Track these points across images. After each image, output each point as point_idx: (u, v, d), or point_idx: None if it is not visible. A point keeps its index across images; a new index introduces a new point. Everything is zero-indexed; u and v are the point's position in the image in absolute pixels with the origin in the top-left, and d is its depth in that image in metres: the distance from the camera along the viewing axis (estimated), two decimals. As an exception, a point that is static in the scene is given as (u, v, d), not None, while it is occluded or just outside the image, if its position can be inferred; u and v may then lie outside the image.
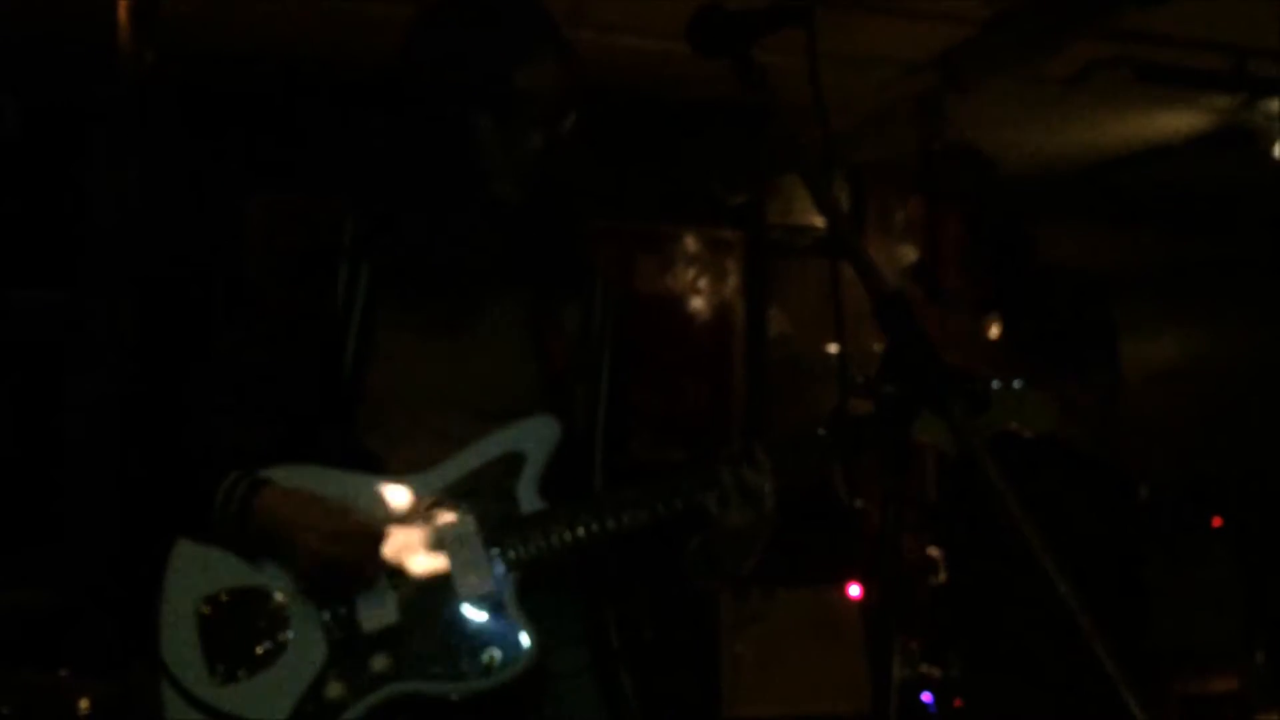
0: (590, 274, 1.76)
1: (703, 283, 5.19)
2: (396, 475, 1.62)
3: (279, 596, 1.59)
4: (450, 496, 1.61)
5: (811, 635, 3.89)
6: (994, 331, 2.65)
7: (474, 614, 1.58)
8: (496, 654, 1.56)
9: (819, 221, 5.33)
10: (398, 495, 1.61)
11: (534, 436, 1.64)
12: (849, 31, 3.97)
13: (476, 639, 1.57)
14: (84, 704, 2.82)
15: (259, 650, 1.57)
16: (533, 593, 1.60)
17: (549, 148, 1.63)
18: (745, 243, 5.23)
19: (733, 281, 5.23)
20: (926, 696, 3.92)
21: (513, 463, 1.62)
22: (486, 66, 1.61)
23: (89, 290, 4.12)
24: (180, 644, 1.58)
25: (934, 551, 2.98)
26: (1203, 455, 5.30)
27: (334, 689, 1.55)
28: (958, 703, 3.90)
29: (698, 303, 5.18)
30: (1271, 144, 4.77)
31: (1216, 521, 4.97)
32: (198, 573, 1.61)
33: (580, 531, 1.59)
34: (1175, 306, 5.71)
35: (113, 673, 3.11)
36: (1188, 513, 4.82)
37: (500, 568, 1.59)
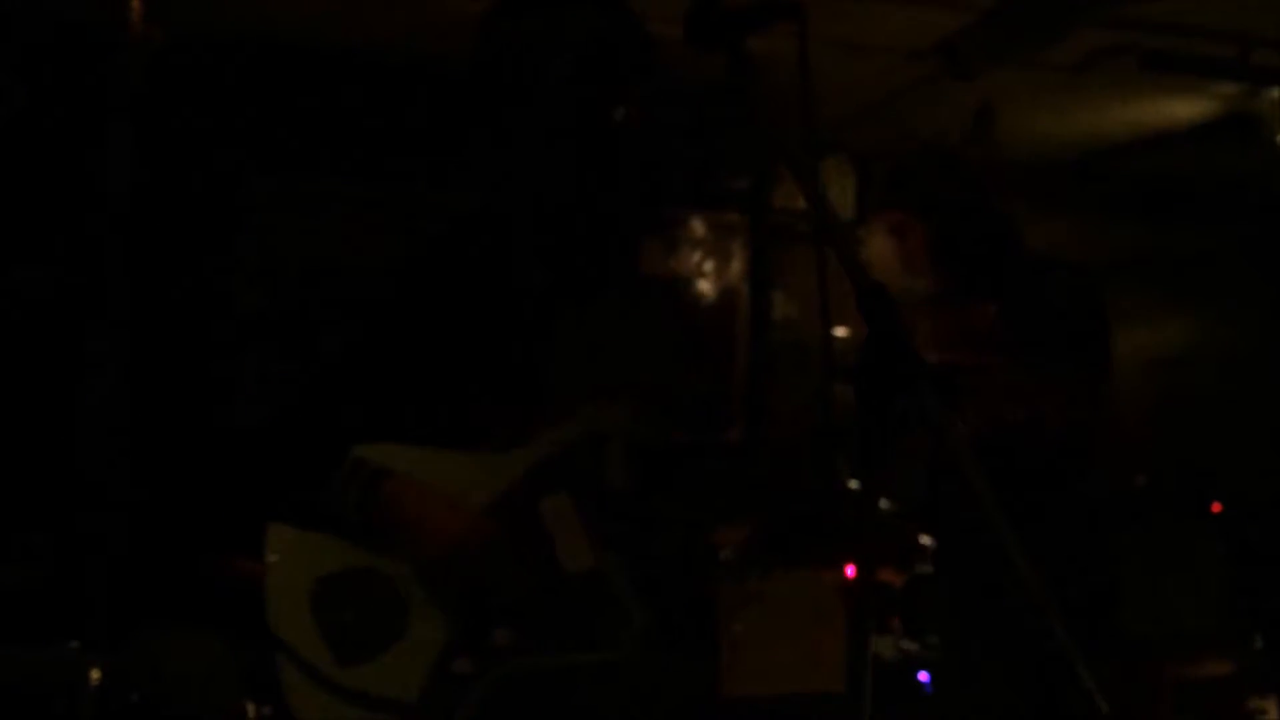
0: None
1: (708, 266, 5.22)
2: (490, 453, 1.66)
3: (396, 576, 1.62)
4: (544, 473, 1.66)
5: (807, 616, 3.94)
6: (985, 320, 2.67)
7: (582, 589, 1.63)
8: (608, 627, 1.62)
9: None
10: (490, 471, 1.66)
11: (615, 419, 1.69)
12: (851, 17, 3.98)
13: (588, 613, 1.63)
14: (95, 675, 2.87)
15: (382, 628, 1.60)
16: (634, 568, 1.65)
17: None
18: (750, 226, 5.26)
19: (737, 265, 5.26)
20: (923, 675, 3.96)
21: (598, 443, 1.67)
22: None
23: (98, 270, 4.16)
24: (298, 626, 1.60)
25: (925, 540, 3.02)
26: (1200, 441, 5.33)
27: (461, 664, 1.59)
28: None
29: (703, 286, 5.22)
30: (1275, 132, 4.78)
31: (1216, 507, 4.99)
32: (305, 556, 1.63)
33: (671, 512, 1.67)
34: (1174, 294, 5.73)
35: (122, 644, 3.17)
36: (1185, 498, 4.85)
37: (598, 544, 1.64)
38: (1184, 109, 4.90)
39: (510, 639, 1.61)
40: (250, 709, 2.94)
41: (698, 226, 5.21)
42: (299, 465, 1.69)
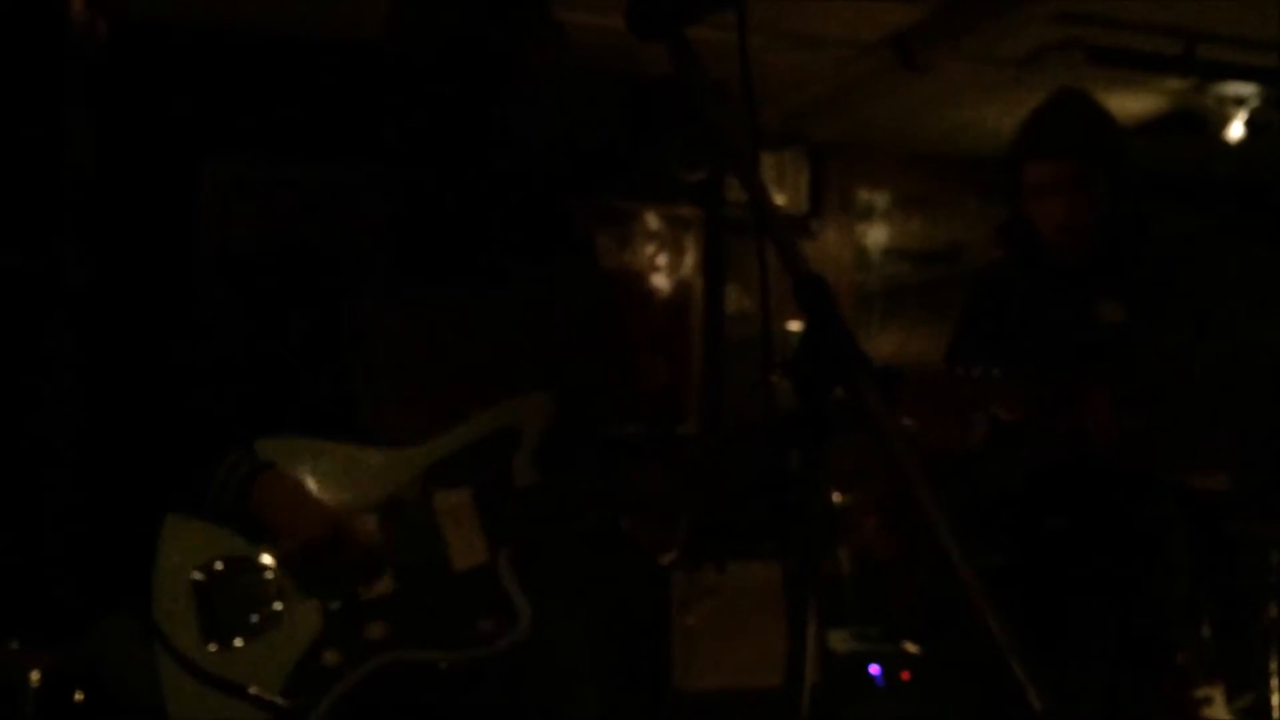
0: (573, 249, 1.80)
1: (662, 259, 5.22)
2: (391, 447, 1.64)
3: (273, 566, 1.61)
4: (446, 469, 1.63)
5: (762, 608, 3.94)
6: (1112, 315, 2.40)
7: (469, 585, 1.60)
8: (491, 624, 1.59)
9: (780, 200, 5.37)
10: (393, 467, 1.64)
11: (531, 413, 1.66)
12: (804, 10, 3.99)
13: (471, 609, 1.60)
14: (34, 676, 2.83)
15: (255, 618, 1.59)
16: (527, 565, 1.62)
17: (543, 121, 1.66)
18: (704, 220, 5.25)
19: (691, 258, 5.26)
20: (874, 669, 3.99)
21: (509, 438, 1.65)
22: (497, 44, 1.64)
23: (55, 256, 4.10)
24: (175, 611, 1.60)
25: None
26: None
27: (330, 656, 1.58)
28: (905, 675, 3.98)
29: (657, 279, 5.21)
30: (1221, 127, 4.84)
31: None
32: (191, 544, 1.63)
33: (574, 508, 1.63)
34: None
35: (64, 643, 3.12)
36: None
37: (494, 540, 1.61)
38: (1131, 104, 4.94)
39: (384, 633, 1.59)
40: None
41: (652, 220, 5.21)
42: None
